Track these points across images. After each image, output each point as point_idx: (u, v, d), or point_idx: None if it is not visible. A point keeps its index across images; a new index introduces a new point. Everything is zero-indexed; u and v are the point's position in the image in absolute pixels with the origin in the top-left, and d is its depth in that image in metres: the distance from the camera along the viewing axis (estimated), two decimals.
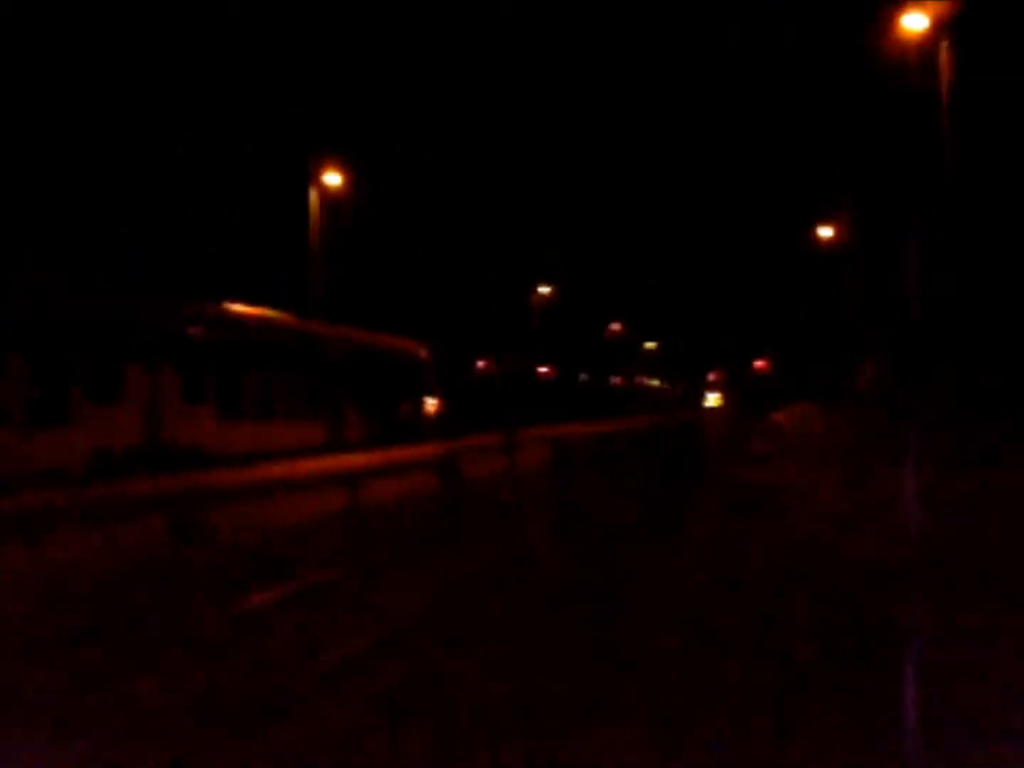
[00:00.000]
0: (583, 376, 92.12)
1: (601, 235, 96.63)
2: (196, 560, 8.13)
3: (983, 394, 28.46)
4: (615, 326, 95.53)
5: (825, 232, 50.82)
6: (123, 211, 37.50)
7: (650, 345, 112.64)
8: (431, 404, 38.38)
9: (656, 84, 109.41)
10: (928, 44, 28.08)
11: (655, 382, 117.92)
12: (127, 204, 37.81)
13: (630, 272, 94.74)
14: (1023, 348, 30.55)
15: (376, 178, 45.49)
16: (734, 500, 16.67)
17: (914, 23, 28.00)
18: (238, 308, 25.33)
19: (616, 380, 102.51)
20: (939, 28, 27.52)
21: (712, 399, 70.38)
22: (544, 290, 70.62)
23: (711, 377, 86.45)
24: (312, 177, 37.63)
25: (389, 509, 11.02)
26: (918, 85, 29.87)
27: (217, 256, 39.89)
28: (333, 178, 38.05)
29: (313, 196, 37.50)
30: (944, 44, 27.34)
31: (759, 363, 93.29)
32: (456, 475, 12.82)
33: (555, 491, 16.50)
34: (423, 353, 36.50)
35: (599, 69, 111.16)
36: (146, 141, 38.71)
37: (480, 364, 72.72)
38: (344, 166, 38.34)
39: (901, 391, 36.59)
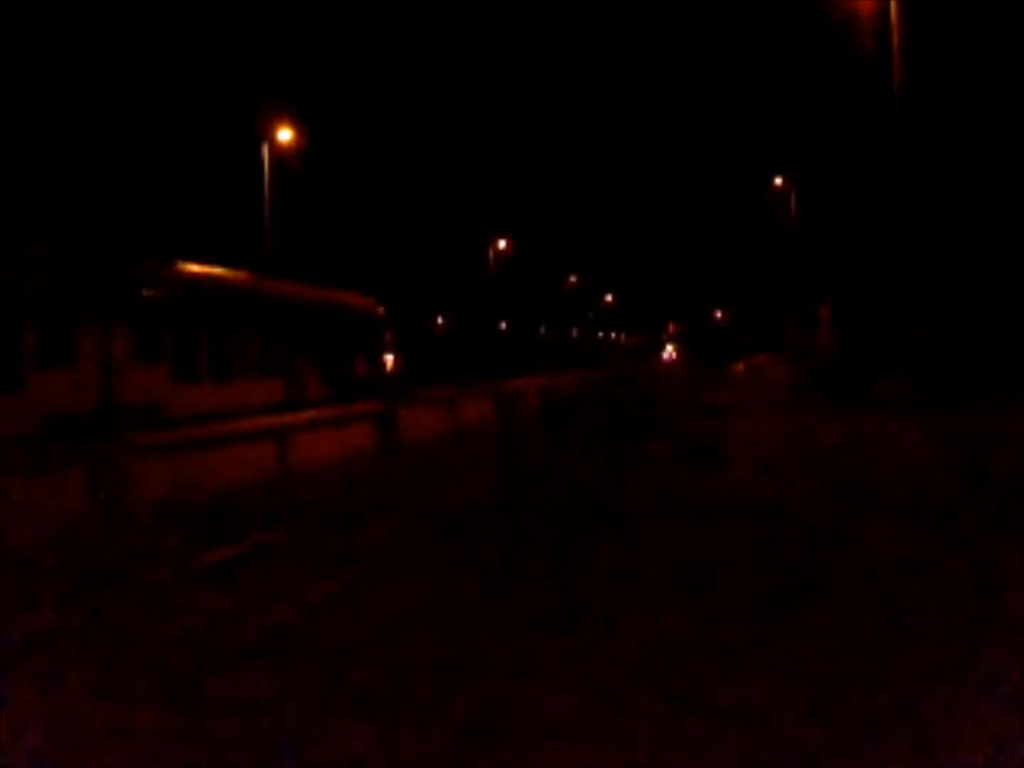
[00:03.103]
0: (542, 330, 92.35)
1: (560, 188, 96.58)
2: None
3: (941, 345, 28.91)
4: (573, 279, 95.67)
5: (780, 183, 51.17)
6: (73, 170, 37.13)
7: (609, 298, 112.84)
8: (387, 360, 38.51)
9: (612, 36, 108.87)
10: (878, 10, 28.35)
11: (614, 334, 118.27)
12: (77, 163, 37.44)
13: (589, 225, 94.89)
14: (970, 300, 31.00)
15: (329, 134, 45.28)
16: (683, 454, 16.86)
17: None
18: (192, 267, 25.22)
19: (575, 333, 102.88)
20: None
21: (670, 351, 70.73)
22: (501, 244, 70.37)
23: (670, 329, 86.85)
24: (264, 134, 37.36)
25: (325, 468, 11.13)
26: (870, 49, 30.13)
27: (169, 215, 39.65)
28: (285, 134, 37.81)
29: (265, 152, 37.27)
30: (894, 8, 27.53)
31: (717, 315, 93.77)
32: (393, 432, 12.94)
33: (499, 447, 16.63)
34: (379, 310, 36.55)
35: (554, 20, 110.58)
36: (98, 100, 38.30)
37: (439, 319, 72.75)
38: (296, 122, 38.11)
39: (856, 345, 37.11)
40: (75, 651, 6.55)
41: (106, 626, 7.03)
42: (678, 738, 5.05)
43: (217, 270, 26.79)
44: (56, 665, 6.22)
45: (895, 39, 27.41)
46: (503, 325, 78.07)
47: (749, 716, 5.30)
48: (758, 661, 6.19)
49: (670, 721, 5.27)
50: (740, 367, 52.26)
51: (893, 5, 27.19)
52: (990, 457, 14.46)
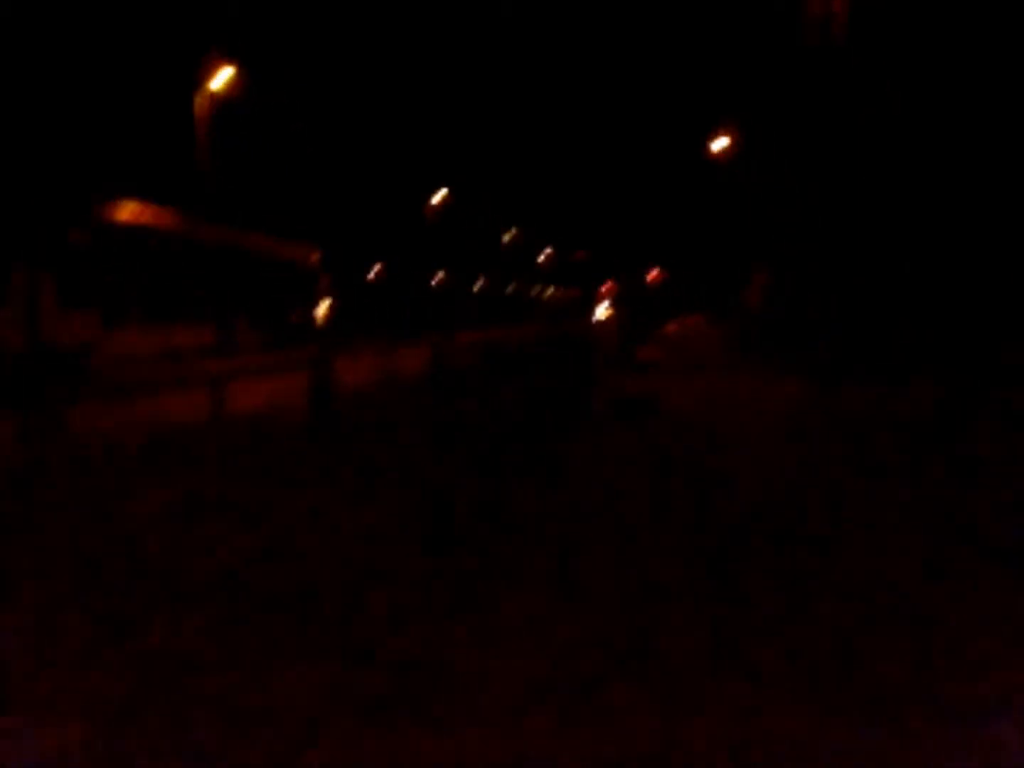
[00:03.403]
0: (480, 283, 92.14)
1: (500, 140, 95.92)
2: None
3: (870, 310, 29.24)
4: (511, 233, 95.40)
5: (719, 142, 51.25)
6: (4, 111, 36.24)
7: (546, 253, 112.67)
8: (323, 307, 38.32)
9: None
10: None
11: (550, 290, 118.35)
12: (9, 104, 36.54)
13: (528, 179, 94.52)
14: (904, 262, 31.38)
15: (266, 80, 44.58)
16: (613, 411, 17.12)
17: None
18: (124, 209, 24.88)
19: (512, 287, 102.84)
20: None
21: (603, 310, 70.92)
22: (441, 194, 69.76)
23: (603, 288, 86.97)
24: (199, 78, 36.66)
25: (258, 416, 11.13)
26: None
27: (104, 157, 38.88)
28: (223, 76, 37.12)
29: (200, 97, 36.60)
30: None
31: (652, 274, 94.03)
32: (328, 380, 12.90)
33: (435, 398, 16.71)
34: (314, 256, 36.33)
35: None
36: (33, 41, 37.36)
37: (375, 269, 72.26)
38: (232, 66, 37.40)
39: (787, 306, 37.49)
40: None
41: None
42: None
43: (148, 213, 26.43)
44: None
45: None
46: (440, 276, 77.72)
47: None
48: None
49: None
50: (672, 327, 52.59)
51: None
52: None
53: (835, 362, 25.05)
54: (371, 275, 71.05)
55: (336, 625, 5.95)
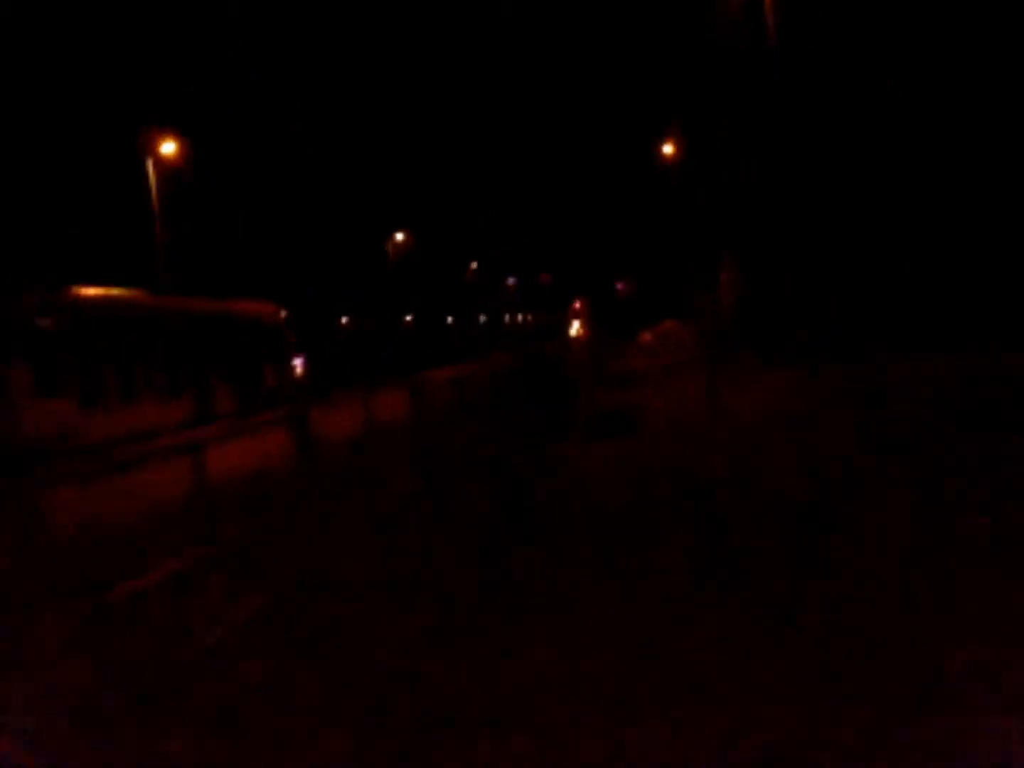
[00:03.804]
0: (449, 320, 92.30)
1: (451, 175, 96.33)
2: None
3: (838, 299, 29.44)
4: (474, 266, 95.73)
5: (667, 148, 51.77)
6: None
7: (511, 281, 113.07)
8: (296, 364, 38.25)
9: (497, 12, 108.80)
10: None
11: (519, 317, 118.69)
12: None
13: (485, 211, 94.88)
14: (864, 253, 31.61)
15: (213, 141, 44.73)
16: (596, 426, 17.17)
17: None
18: (87, 291, 24.84)
19: (481, 320, 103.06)
20: None
21: (576, 327, 71.13)
22: (399, 237, 69.94)
23: (575, 306, 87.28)
24: (146, 148, 36.74)
25: (243, 479, 11.12)
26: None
27: (57, 239, 38.90)
28: (168, 146, 37.23)
29: (150, 167, 36.69)
30: None
31: (620, 286, 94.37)
32: (306, 435, 12.92)
33: (413, 442, 16.73)
34: (280, 314, 36.27)
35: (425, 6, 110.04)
36: None
37: (344, 320, 72.29)
38: (179, 133, 37.53)
39: (751, 307, 37.75)
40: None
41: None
42: None
43: (113, 291, 26.40)
44: None
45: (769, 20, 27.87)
46: (408, 318, 77.88)
47: None
48: None
49: None
50: (647, 336, 52.77)
51: None
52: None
53: (814, 349, 25.20)
54: (341, 324, 71.07)
55: None
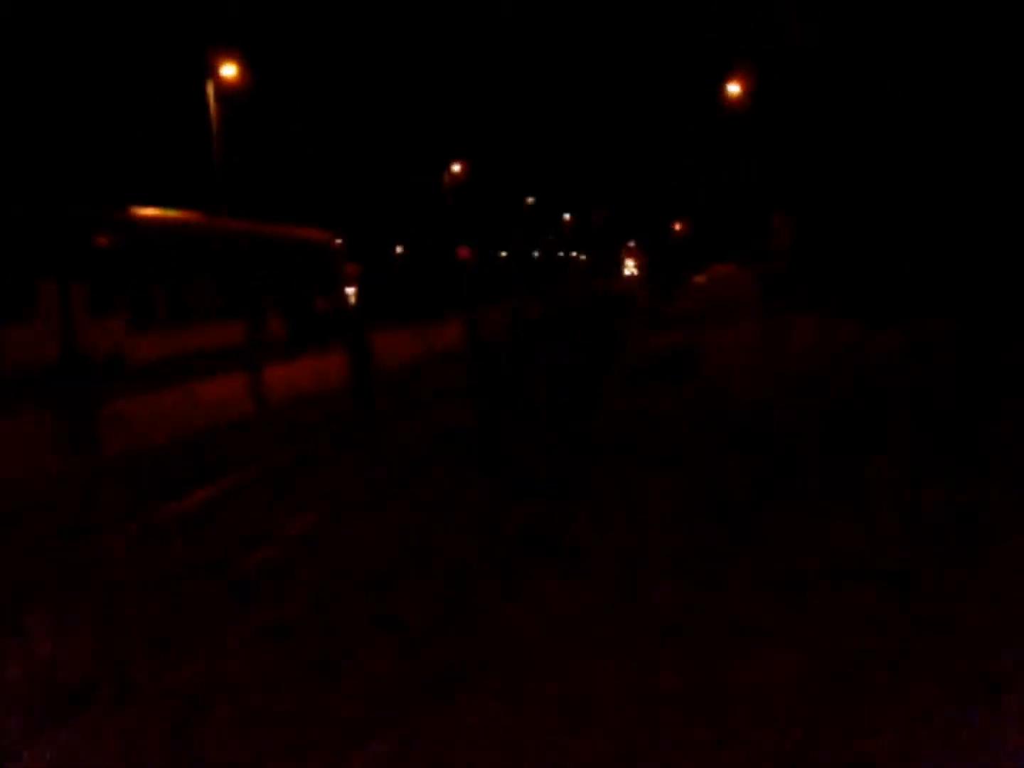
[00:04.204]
0: (503, 254, 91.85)
1: (511, 107, 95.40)
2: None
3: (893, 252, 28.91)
4: (531, 200, 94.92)
5: (733, 89, 50.59)
6: (17, 117, 36.31)
7: (567, 217, 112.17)
8: (349, 293, 38.23)
9: None
10: None
11: (574, 254, 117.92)
12: (21, 109, 36.59)
13: (543, 144, 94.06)
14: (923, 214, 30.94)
15: (275, 67, 44.42)
16: (652, 367, 16.89)
17: None
18: (146, 211, 24.83)
19: (536, 255, 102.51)
20: None
21: (630, 267, 70.54)
22: (456, 168, 69.25)
23: (629, 245, 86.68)
24: (209, 70, 36.50)
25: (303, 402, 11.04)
26: None
27: (117, 159, 38.93)
28: (230, 69, 36.95)
29: (211, 89, 36.46)
30: None
31: (678, 226, 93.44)
32: (368, 361, 12.77)
33: (472, 372, 16.57)
34: (336, 243, 36.18)
35: None
36: (42, 44, 37.36)
37: (398, 249, 72.10)
38: (240, 56, 37.22)
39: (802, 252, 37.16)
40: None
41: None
42: None
43: (170, 213, 26.39)
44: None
45: None
46: (463, 250, 77.46)
47: None
48: None
49: None
50: (701, 279, 52.19)
51: None
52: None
53: (875, 302, 24.70)
54: (396, 255, 70.93)
55: None
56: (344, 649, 5.20)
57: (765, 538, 6.66)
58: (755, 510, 7.35)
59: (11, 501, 8.74)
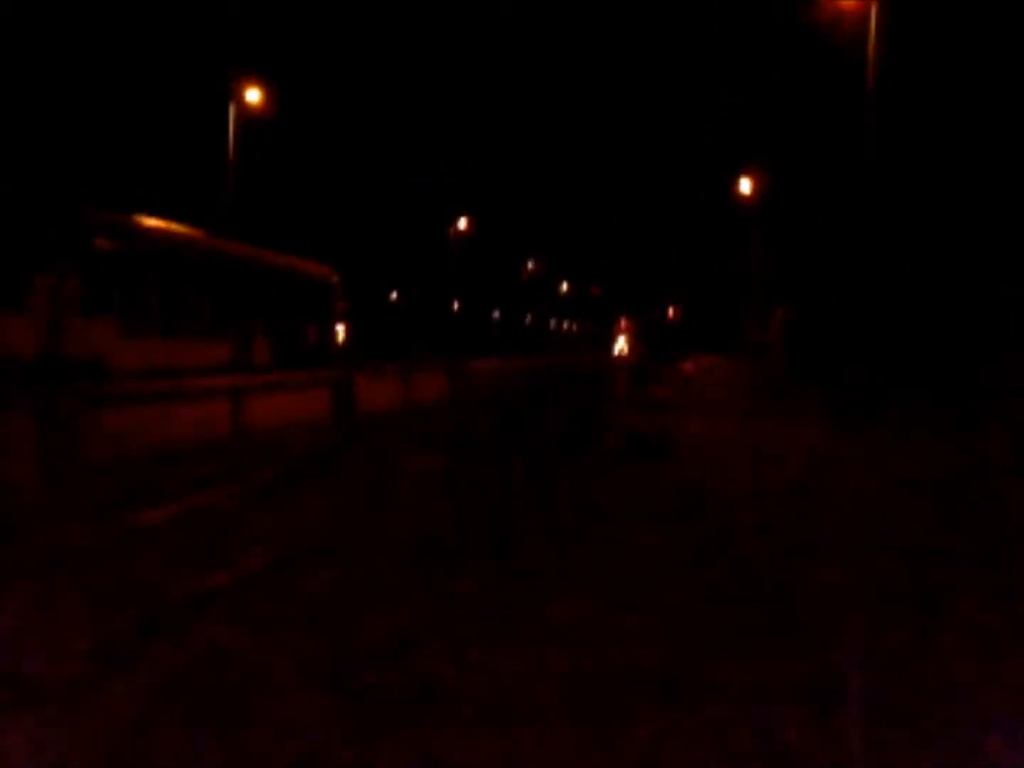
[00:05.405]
0: (496, 314, 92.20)
1: (524, 173, 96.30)
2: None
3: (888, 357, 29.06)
4: (531, 265, 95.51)
5: (744, 187, 51.16)
6: (36, 116, 36.48)
7: (564, 287, 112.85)
8: (339, 330, 38.24)
9: (584, 27, 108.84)
10: (860, 9, 28.25)
11: (566, 324, 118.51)
12: (41, 110, 36.78)
13: (549, 212, 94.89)
14: (923, 312, 31.27)
15: (297, 101, 44.81)
16: (633, 448, 16.88)
17: None
18: (147, 220, 24.87)
19: (528, 319, 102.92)
20: None
21: (621, 344, 70.85)
22: (462, 224, 69.66)
23: (622, 323, 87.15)
24: (232, 93, 36.81)
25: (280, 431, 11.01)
26: (847, 49, 30.11)
27: (130, 168, 39.07)
28: (253, 95, 37.27)
29: (232, 112, 36.74)
30: (874, 10, 27.49)
31: (670, 312, 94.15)
32: (350, 400, 12.79)
33: (446, 425, 16.54)
34: (334, 279, 36.23)
35: (532, 8, 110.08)
36: (68, 51, 37.64)
37: (393, 294, 72.30)
38: (265, 84, 37.57)
39: (801, 349, 37.40)
40: None
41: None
42: None
43: (173, 226, 26.41)
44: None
45: (869, 84, 27.41)
46: (456, 305, 77.71)
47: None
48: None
49: None
50: (689, 366, 52.43)
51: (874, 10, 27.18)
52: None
53: (860, 405, 24.73)
54: (387, 299, 71.11)
55: None
56: None
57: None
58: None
59: None
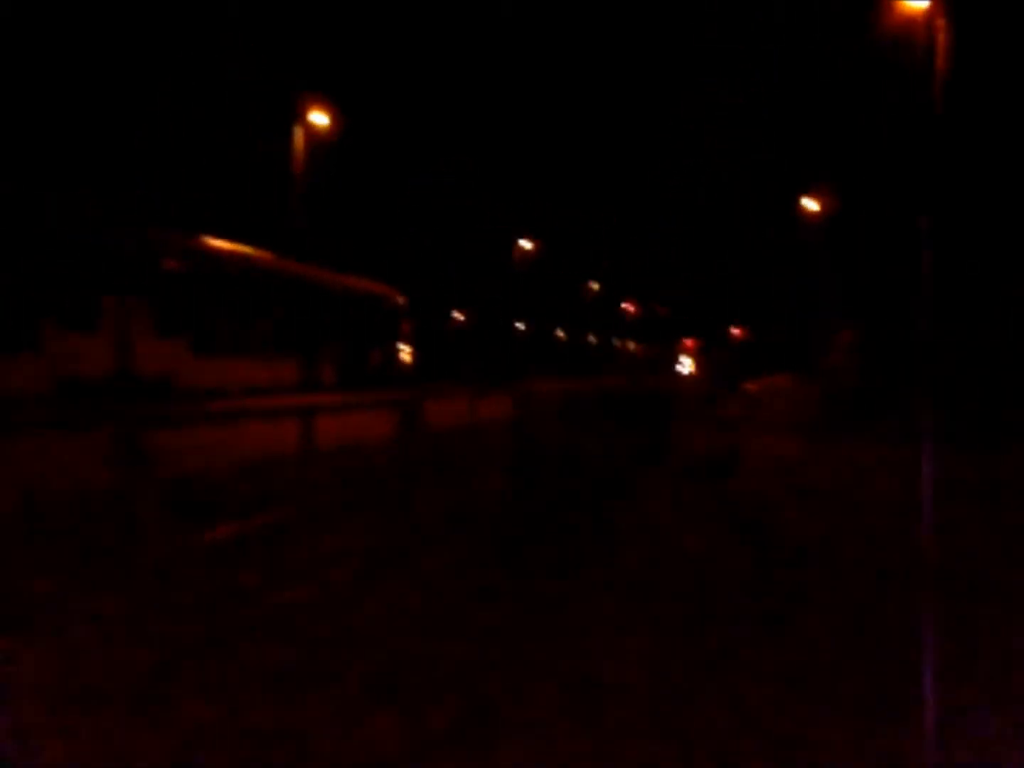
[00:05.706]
0: (560, 333, 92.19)
1: (588, 194, 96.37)
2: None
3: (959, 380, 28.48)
4: (594, 285, 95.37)
5: (811, 204, 50.58)
6: (109, 140, 37.13)
7: (628, 307, 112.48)
8: (404, 351, 38.44)
9: (645, 42, 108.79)
10: (927, 21, 27.88)
11: (631, 344, 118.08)
12: (113, 133, 37.44)
13: (613, 232, 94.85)
14: (997, 338, 30.69)
15: (364, 122, 45.22)
16: (693, 465, 16.73)
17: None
18: (217, 242, 25.19)
19: (592, 339, 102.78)
20: (938, 5, 27.32)
21: (686, 365, 70.45)
22: (526, 245, 69.69)
23: (687, 343, 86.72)
24: (298, 115, 37.16)
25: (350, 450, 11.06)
26: (915, 62, 29.74)
27: (200, 190, 39.62)
28: (320, 118, 37.62)
29: (298, 135, 37.08)
30: (942, 23, 27.14)
31: (736, 332, 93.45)
32: (418, 421, 12.82)
33: (517, 447, 16.51)
34: (400, 300, 36.45)
35: (589, 27, 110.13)
36: (135, 73, 38.30)
37: (457, 315, 72.55)
38: (331, 107, 37.90)
39: (871, 371, 36.86)
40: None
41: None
42: None
43: (242, 248, 26.75)
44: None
45: (938, 97, 27.02)
46: (521, 326, 77.77)
47: None
48: None
49: None
50: (755, 387, 51.94)
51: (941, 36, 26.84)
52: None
53: (928, 429, 24.21)
54: (453, 321, 71.40)
55: None
56: None
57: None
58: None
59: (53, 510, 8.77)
